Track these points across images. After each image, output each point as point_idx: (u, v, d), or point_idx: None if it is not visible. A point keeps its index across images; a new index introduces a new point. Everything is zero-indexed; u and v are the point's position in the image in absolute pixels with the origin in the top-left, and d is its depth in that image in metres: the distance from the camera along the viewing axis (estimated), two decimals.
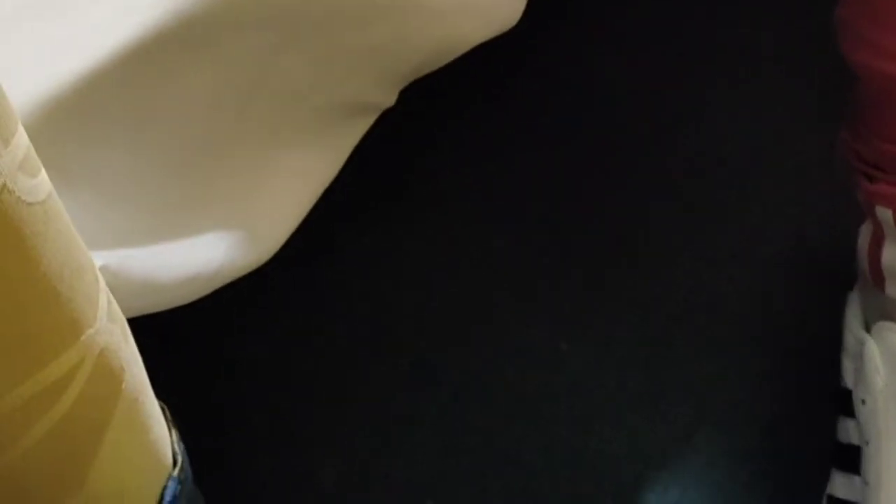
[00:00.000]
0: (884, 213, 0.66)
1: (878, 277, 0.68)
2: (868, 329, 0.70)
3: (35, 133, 0.41)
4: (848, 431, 0.71)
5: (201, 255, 0.57)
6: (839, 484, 0.71)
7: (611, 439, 0.78)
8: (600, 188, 0.85)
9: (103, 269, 0.52)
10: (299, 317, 0.80)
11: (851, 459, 0.70)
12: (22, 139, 0.38)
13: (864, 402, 0.69)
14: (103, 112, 0.52)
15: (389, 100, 0.65)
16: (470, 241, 0.83)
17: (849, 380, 0.72)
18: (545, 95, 0.87)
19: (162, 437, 0.48)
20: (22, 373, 0.39)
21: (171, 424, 0.50)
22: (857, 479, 0.69)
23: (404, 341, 0.80)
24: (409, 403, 0.78)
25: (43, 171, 0.39)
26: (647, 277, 0.82)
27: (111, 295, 0.44)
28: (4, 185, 0.37)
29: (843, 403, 0.72)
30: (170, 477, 0.49)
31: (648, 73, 0.88)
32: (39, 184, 0.39)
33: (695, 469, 0.77)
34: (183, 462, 0.50)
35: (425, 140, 0.84)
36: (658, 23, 0.90)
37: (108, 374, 0.43)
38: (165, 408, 0.50)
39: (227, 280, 0.59)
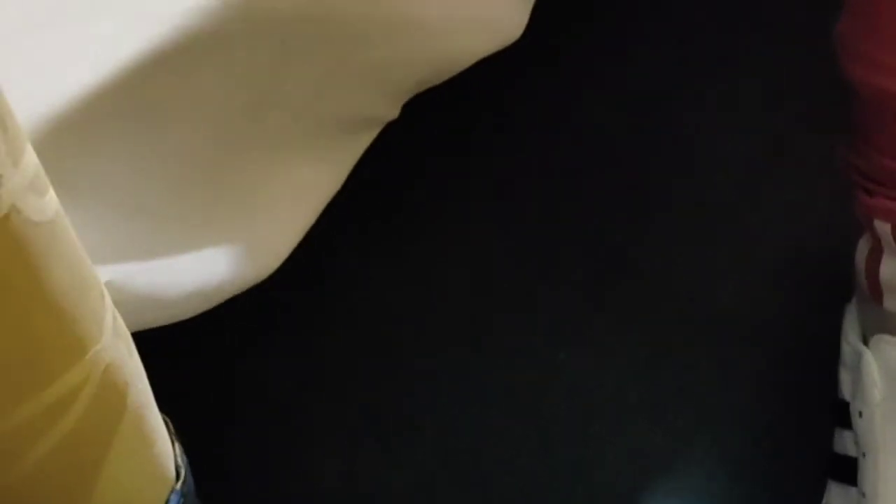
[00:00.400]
0: (882, 227, 0.66)
1: (877, 291, 0.68)
2: (866, 341, 0.70)
3: (41, 148, 0.41)
4: (845, 443, 0.71)
5: (204, 271, 0.57)
6: (835, 495, 0.71)
7: (610, 447, 0.78)
8: (599, 195, 0.85)
9: (108, 284, 0.52)
10: (300, 324, 0.80)
11: (848, 471, 0.70)
12: (31, 159, 0.38)
13: (861, 414, 0.69)
14: (109, 127, 0.52)
15: (393, 113, 0.65)
16: (470, 248, 0.83)
17: (846, 391, 0.72)
18: (545, 103, 0.87)
19: (165, 450, 0.48)
20: (30, 389, 0.40)
21: (173, 437, 0.50)
22: (853, 490, 0.70)
23: (405, 349, 0.80)
24: (409, 410, 0.79)
25: (51, 189, 0.39)
26: (645, 285, 0.83)
27: (116, 310, 0.44)
28: (14, 205, 0.37)
29: (841, 415, 0.72)
30: (172, 490, 0.49)
31: (648, 79, 0.88)
32: (47, 203, 0.39)
33: (693, 478, 0.77)
34: (185, 475, 0.50)
35: (426, 149, 0.84)
36: (658, 27, 0.90)
37: (113, 390, 0.43)
38: (168, 421, 0.50)
39: (229, 295, 0.59)
